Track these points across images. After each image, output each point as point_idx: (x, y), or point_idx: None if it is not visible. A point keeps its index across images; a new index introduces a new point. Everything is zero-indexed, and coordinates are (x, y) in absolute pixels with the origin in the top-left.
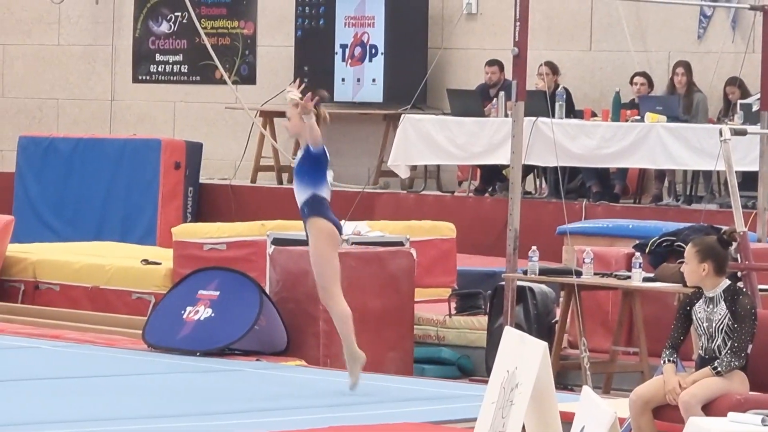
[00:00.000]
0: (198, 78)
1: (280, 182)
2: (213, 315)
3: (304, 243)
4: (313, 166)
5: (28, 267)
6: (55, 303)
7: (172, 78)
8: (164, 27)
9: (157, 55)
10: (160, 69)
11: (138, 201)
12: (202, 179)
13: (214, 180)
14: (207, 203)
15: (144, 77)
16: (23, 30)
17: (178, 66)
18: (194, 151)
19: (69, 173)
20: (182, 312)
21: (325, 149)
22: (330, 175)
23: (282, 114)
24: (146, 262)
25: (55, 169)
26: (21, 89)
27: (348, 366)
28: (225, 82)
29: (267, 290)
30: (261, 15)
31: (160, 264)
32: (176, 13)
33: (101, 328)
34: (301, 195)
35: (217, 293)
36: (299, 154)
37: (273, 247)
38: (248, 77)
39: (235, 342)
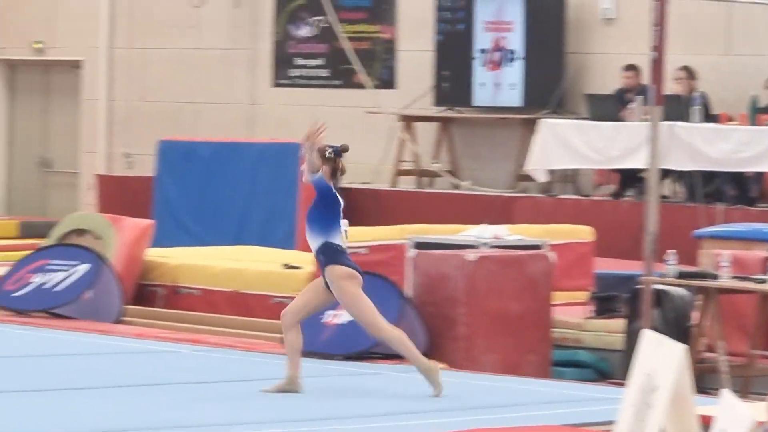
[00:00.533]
0: (338, 82)
1: (420, 186)
2: (354, 319)
3: (445, 246)
4: (323, 212)
5: (168, 271)
6: (195, 307)
7: (312, 82)
8: (304, 31)
9: (298, 59)
10: (300, 73)
11: (278, 205)
12: (344, 183)
13: (355, 184)
14: (348, 207)
15: (284, 81)
16: (163, 33)
17: (319, 70)
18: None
19: (208, 177)
20: (323, 316)
21: (338, 197)
22: (345, 223)
23: (422, 119)
24: (287, 266)
25: (195, 173)
26: (160, 93)
27: (427, 380)
28: (365, 87)
29: (407, 294)
30: (401, 19)
31: (300, 268)
32: (316, 17)
33: (241, 332)
34: (313, 243)
35: None
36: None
37: (414, 250)
38: (388, 81)
39: (375, 345)
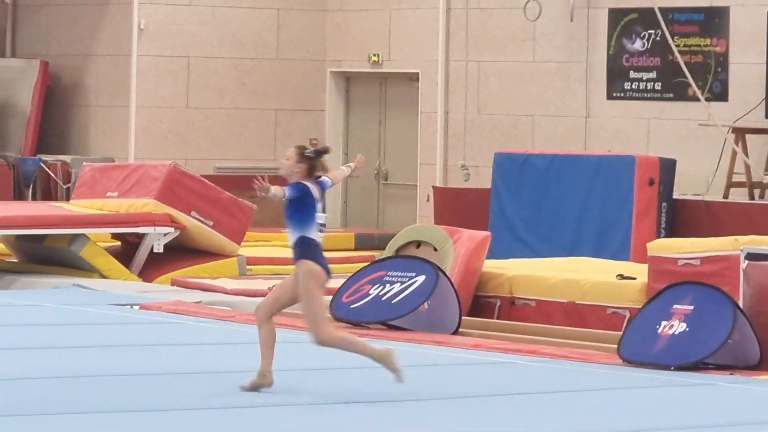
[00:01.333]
0: (671, 95)
1: (752, 198)
2: (687, 329)
3: None
4: (299, 210)
5: (504, 282)
6: (530, 318)
7: (645, 95)
8: (638, 44)
9: (631, 72)
10: (633, 86)
11: (612, 217)
12: (676, 195)
13: (687, 196)
14: (680, 219)
15: (618, 94)
16: (498, 47)
17: (652, 83)
18: (668, 167)
19: (544, 189)
20: (657, 326)
21: (310, 191)
22: (322, 217)
23: (753, 131)
24: (621, 277)
25: (531, 185)
26: (496, 106)
27: (385, 368)
28: (698, 99)
29: (740, 304)
30: (733, 32)
31: (634, 279)
32: (650, 31)
33: (576, 343)
34: (290, 237)
35: (691, 307)
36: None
37: (746, 261)
38: (720, 94)
39: (708, 356)
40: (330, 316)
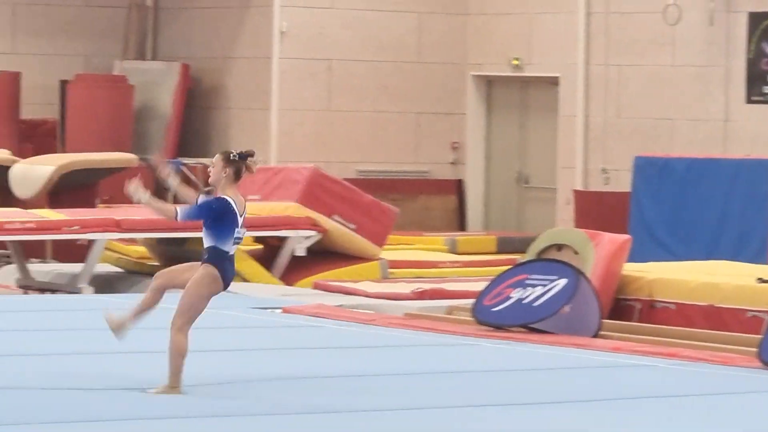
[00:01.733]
0: None
1: None
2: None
3: None
4: (217, 224)
5: (644, 286)
6: (670, 321)
7: None
8: None
9: None
10: None
11: (751, 220)
12: None
13: None
14: None
15: (757, 98)
16: (637, 51)
17: None
18: None
19: (684, 193)
20: None
21: (231, 206)
22: (241, 232)
23: None
24: (761, 280)
25: (670, 188)
26: (636, 109)
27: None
28: None
29: None
30: None
31: None
32: None
33: (716, 346)
34: (205, 242)
35: None
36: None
37: None
38: None
39: None
40: (474, 318)
